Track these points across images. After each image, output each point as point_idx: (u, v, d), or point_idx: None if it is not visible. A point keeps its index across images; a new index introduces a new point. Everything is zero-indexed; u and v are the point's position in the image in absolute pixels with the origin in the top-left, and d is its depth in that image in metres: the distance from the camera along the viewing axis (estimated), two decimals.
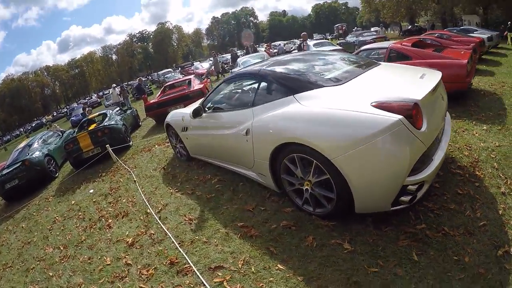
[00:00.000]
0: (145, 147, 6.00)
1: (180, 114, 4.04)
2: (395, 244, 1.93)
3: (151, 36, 76.80)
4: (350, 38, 16.64)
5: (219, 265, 2.11)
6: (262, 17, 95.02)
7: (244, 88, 3.25)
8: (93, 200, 4.23)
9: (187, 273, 2.13)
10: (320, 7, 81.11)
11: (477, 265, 1.70)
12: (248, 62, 9.82)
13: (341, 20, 63.64)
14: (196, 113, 3.19)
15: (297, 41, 27.23)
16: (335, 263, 1.90)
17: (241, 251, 2.19)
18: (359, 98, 2.04)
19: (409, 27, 29.11)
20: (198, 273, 2.07)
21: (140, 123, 9.20)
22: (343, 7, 79.55)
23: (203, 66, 20.23)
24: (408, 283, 1.67)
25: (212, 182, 3.40)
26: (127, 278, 2.29)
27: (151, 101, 8.02)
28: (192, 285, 2.02)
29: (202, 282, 1.99)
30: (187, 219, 2.81)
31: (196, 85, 7.99)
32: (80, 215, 3.90)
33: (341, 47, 12.20)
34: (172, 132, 4.38)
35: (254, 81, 2.92)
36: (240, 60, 10.55)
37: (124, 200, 3.79)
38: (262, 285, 1.87)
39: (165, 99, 7.61)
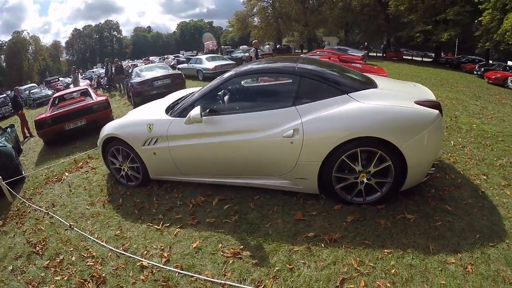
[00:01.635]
0: (49, 177, 3.95)
1: (142, 122, 2.90)
2: (428, 205, 2.38)
3: (4, 47, 57.99)
4: (237, 53, 17.50)
5: (340, 280, 1.78)
6: (124, 32, 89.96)
7: (267, 86, 2.81)
8: (9, 267, 2.27)
9: None
10: (185, 25, 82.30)
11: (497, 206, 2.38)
12: (147, 71, 8.69)
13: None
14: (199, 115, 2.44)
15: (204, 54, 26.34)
16: (414, 231, 2.12)
17: (342, 257, 1.94)
18: (403, 98, 2.37)
19: (277, 46, 34.09)
20: None
21: (21, 146, 6.26)
22: (208, 26, 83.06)
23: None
24: (462, 221, 2.19)
25: (214, 204, 2.68)
26: None
27: (42, 116, 5.80)
28: None
29: None
30: (229, 254, 2.06)
31: (99, 96, 6.62)
32: None
33: (233, 62, 13.03)
34: (116, 150, 3.07)
35: (285, 78, 2.61)
36: (137, 69, 9.30)
37: (73, 258, 2.24)
38: (395, 271, 1.80)
39: (62, 112, 5.69)
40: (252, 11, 32.84)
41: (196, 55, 24.78)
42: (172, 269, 2.01)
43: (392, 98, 2.34)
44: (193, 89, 3.97)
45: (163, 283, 1.90)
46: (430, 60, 25.77)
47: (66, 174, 3.96)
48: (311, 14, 29.51)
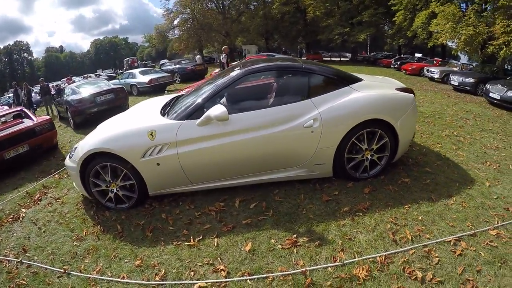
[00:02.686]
0: (2, 218, 2.95)
1: (139, 130, 2.49)
2: (413, 170, 2.99)
3: None
4: (168, 66, 16.09)
5: (391, 234, 2.06)
6: (34, 54, 75.67)
7: (276, 83, 2.84)
8: None
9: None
10: (100, 42, 76.58)
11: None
12: (85, 87, 7.55)
13: (122, 55, 64.33)
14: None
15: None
16: (415, 189, 2.66)
17: (380, 219, 2.28)
18: (386, 87, 2.91)
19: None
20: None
21: None
22: (123, 42, 79.00)
23: None
24: (441, 176, 2.87)
25: (238, 206, 2.56)
26: None
27: None
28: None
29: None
30: (288, 245, 2.03)
31: (39, 117, 5.42)
32: None
33: (168, 74, 12.39)
34: (102, 168, 2.51)
35: (292, 75, 2.79)
36: (72, 86, 8.00)
37: None
38: (421, 218, 2.18)
39: None
40: (172, 23, 31.45)
41: (116, 73, 22.34)
42: (240, 278, 1.82)
43: (380, 87, 2.85)
44: (171, 95, 3.61)
45: None
46: (348, 59, 28.66)
47: (23, 210, 2.97)
48: (232, 24, 30.05)
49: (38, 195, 3.29)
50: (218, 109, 2.33)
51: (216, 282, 1.82)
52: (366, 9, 22.83)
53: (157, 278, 1.89)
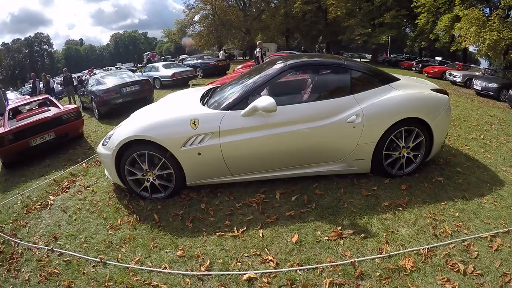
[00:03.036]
0: (29, 205, 2.97)
1: (181, 119, 2.54)
2: (445, 170, 3.04)
3: None
4: (190, 61, 16.24)
5: (432, 228, 2.13)
6: (55, 46, 77.68)
7: (317, 78, 2.91)
8: None
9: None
10: (119, 36, 79.77)
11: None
12: (110, 78, 7.75)
13: (141, 49, 66.56)
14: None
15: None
16: (449, 188, 2.72)
17: (420, 214, 2.35)
18: (422, 87, 2.95)
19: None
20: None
21: None
22: (143, 37, 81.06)
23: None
24: (473, 177, 2.94)
25: (278, 198, 2.61)
26: None
27: (0, 131, 4.40)
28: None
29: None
30: (334, 237, 2.09)
31: (65, 104, 5.81)
32: None
33: (191, 68, 12.46)
34: (140, 156, 2.57)
35: (333, 71, 2.86)
36: (97, 76, 8.22)
37: None
38: (458, 214, 2.27)
39: (25, 125, 4.51)
40: (193, 19, 31.63)
41: (136, 67, 24.10)
42: (290, 269, 1.88)
43: (416, 87, 2.88)
44: (202, 87, 3.66)
45: (293, 286, 1.76)
46: (368, 60, 28.27)
47: (51, 198, 3.04)
48: (253, 21, 30.02)
49: (66, 183, 3.38)
50: (266, 100, 2.36)
51: (266, 272, 1.86)
52: (388, 11, 22.52)
53: (202, 269, 1.92)
